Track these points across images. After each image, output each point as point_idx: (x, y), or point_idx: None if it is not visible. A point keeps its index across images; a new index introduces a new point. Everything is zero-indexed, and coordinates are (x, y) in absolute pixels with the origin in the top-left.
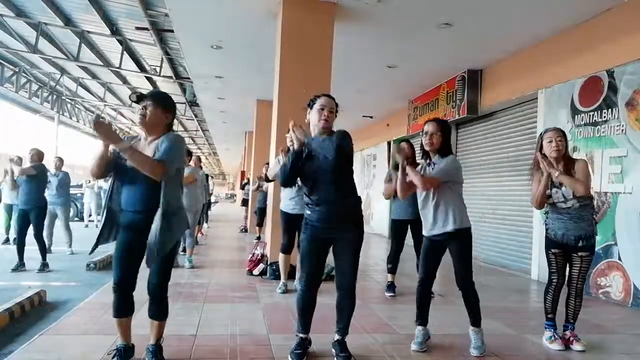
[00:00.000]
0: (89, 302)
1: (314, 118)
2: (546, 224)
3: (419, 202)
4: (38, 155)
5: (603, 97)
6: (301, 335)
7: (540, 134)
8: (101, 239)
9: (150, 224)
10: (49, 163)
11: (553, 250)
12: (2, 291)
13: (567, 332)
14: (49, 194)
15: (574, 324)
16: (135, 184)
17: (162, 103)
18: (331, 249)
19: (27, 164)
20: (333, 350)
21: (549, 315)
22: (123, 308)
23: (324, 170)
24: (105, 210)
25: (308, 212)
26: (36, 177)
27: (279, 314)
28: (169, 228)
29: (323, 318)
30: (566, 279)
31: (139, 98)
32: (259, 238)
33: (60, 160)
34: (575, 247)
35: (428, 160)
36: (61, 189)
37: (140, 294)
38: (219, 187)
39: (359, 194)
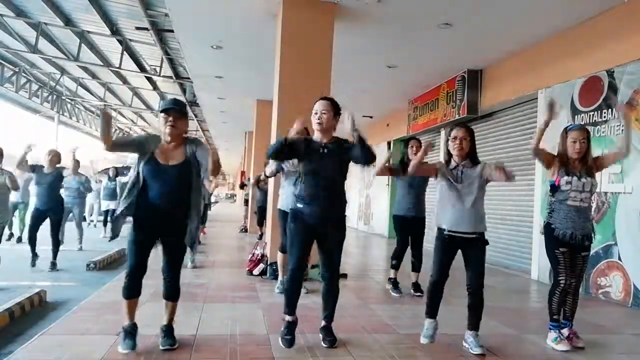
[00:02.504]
0: (89, 302)
1: (312, 123)
2: (551, 223)
3: (441, 197)
4: (58, 158)
5: (603, 97)
6: (289, 318)
7: (565, 129)
8: (119, 225)
9: (175, 217)
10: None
11: (561, 249)
12: (2, 291)
13: (566, 330)
14: (68, 194)
15: (572, 321)
16: (167, 183)
17: (186, 114)
18: (317, 244)
19: (45, 164)
20: (320, 335)
21: (554, 317)
22: (135, 290)
23: (323, 175)
24: (131, 202)
25: (299, 205)
26: (55, 179)
27: (279, 314)
28: (198, 217)
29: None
30: (570, 280)
31: (166, 110)
32: (261, 237)
33: (77, 163)
34: (581, 246)
35: (455, 165)
36: (82, 191)
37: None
38: (219, 187)
39: (346, 197)
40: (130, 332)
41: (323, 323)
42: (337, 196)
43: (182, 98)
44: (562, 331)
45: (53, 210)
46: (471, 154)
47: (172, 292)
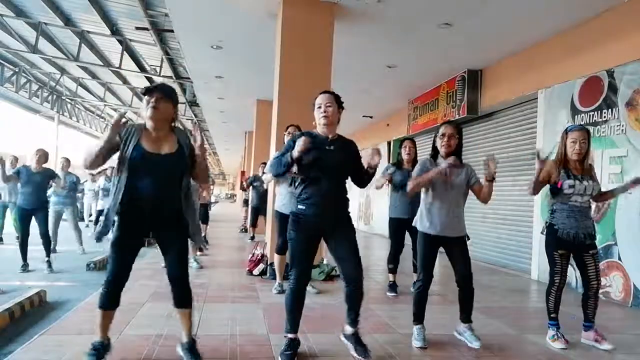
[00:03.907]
0: (89, 302)
1: (316, 117)
2: (554, 224)
3: (429, 200)
4: (45, 157)
5: (603, 97)
6: (290, 335)
7: (566, 130)
8: (106, 230)
9: (168, 210)
10: (51, 163)
11: (560, 251)
12: (2, 291)
13: (591, 333)
14: (58, 194)
15: (594, 323)
16: (158, 174)
17: (173, 98)
18: (328, 247)
19: (32, 164)
20: (348, 344)
21: (552, 315)
22: (113, 301)
23: (328, 172)
24: (117, 204)
25: (301, 207)
26: (43, 179)
27: (279, 314)
28: (194, 215)
29: (323, 317)
30: (566, 280)
31: (149, 90)
32: (252, 238)
33: (67, 161)
34: (585, 245)
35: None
36: (72, 191)
37: (139, 296)
38: (219, 187)
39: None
40: (99, 353)
41: (349, 329)
42: (340, 194)
43: (182, 98)
44: (588, 333)
45: (39, 209)
46: (457, 152)
47: (184, 296)
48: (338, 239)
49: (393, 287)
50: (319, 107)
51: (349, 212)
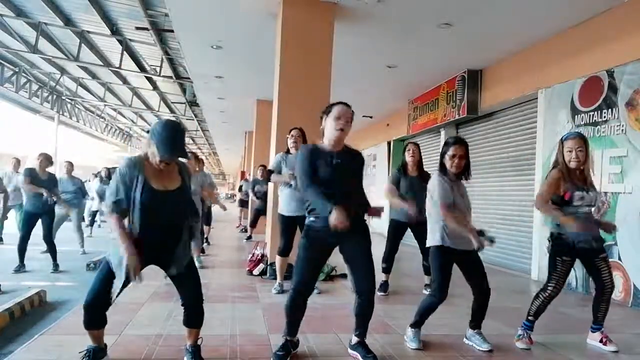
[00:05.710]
0: None
1: (329, 126)
2: (562, 233)
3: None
4: (47, 161)
5: (603, 97)
6: (287, 337)
7: (562, 139)
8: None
9: (172, 247)
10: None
11: (564, 258)
12: (2, 291)
13: (598, 334)
14: (65, 198)
15: (603, 325)
16: (166, 212)
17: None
18: (342, 254)
19: (37, 168)
20: (356, 353)
21: (529, 317)
22: (97, 322)
23: (336, 186)
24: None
25: (312, 218)
26: (48, 183)
27: (278, 314)
28: (191, 240)
29: (323, 318)
30: (560, 290)
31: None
32: (249, 238)
33: (71, 165)
34: (594, 249)
35: (454, 180)
36: (76, 194)
37: (139, 296)
38: (218, 187)
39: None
40: (92, 356)
41: (356, 340)
42: (352, 204)
43: (182, 98)
44: (594, 334)
45: (46, 213)
46: (466, 167)
47: (195, 320)
48: (352, 251)
49: (384, 286)
50: (339, 118)
51: (365, 220)
